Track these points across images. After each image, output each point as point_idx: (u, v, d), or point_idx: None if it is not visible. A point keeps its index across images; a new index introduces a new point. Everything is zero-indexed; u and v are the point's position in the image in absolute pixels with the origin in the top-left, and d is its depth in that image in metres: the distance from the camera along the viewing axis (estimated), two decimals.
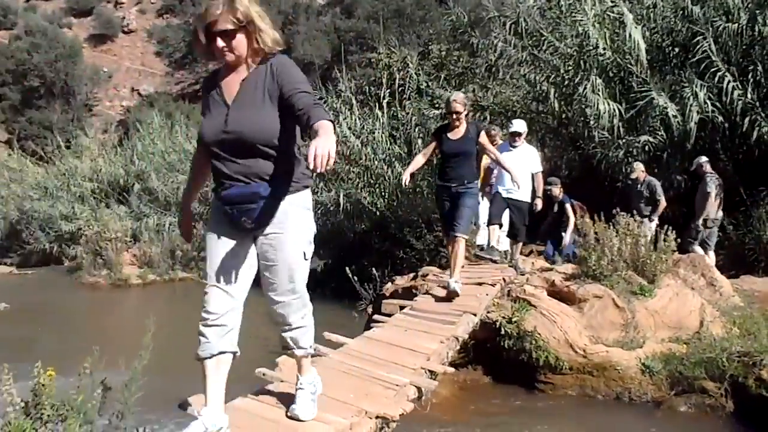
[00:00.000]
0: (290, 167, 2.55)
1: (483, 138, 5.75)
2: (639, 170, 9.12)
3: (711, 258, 8.42)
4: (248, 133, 2.44)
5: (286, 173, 2.54)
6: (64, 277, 14.25)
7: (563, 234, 8.91)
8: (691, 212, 8.89)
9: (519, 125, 7.78)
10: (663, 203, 8.85)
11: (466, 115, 5.78)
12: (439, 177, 6.01)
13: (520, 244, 7.72)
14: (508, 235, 7.90)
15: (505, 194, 7.39)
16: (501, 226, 7.65)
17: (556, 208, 9.08)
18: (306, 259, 2.67)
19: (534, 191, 7.73)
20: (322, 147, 2.07)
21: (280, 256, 2.60)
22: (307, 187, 2.66)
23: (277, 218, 2.55)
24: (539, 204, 7.80)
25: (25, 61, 42.25)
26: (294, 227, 2.58)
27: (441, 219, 6.18)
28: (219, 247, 2.60)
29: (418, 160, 6.09)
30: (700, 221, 8.60)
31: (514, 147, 7.57)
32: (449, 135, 5.75)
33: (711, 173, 8.70)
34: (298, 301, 2.71)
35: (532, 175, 7.62)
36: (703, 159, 8.85)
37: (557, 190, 9.04)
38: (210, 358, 2.56)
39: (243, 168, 2.49)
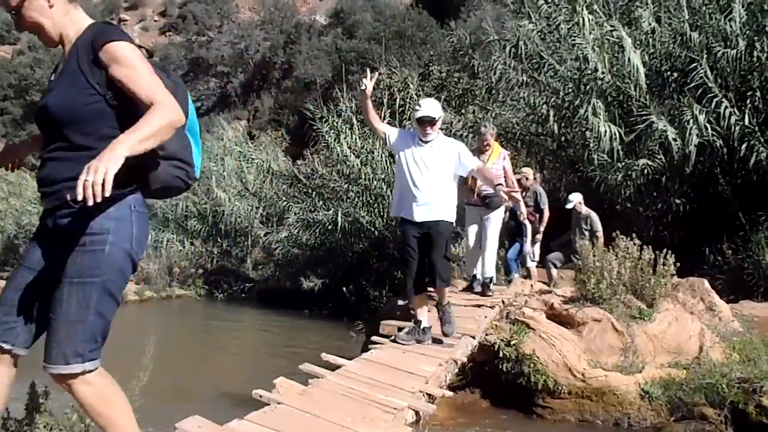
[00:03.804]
0: None
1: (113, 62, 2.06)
2: (523, 175, 8.78)
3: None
4: None
5: None
6: None
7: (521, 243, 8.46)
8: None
9: (430, 108, 5.04)
10: (547, 213, 8.66)
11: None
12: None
13: (446, 290, 5.22)
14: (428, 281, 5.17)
15: (416, 217, 4.96)
16: (422, 289, 5.14)
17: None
18: None
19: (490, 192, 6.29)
20: None
21: None
22: None
23: None
24: (521, 206, 7.17)
25: (28, 76, 42.47)
26: None
27: None
28: None
29: None
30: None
31: (426, 142, 5.01)
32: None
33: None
34: None
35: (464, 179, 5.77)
36: (580, 196, 9.01)
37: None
38: None
39: None
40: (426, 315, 5.22)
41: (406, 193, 5.01)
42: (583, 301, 6.38)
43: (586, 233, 8.47)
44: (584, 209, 8.88)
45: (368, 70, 4.96)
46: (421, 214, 4.92)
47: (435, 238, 4.92)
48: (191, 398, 5.85)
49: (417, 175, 4.94)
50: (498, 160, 6.98)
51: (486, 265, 7.14)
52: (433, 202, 4.91)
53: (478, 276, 7.29)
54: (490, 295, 7.03)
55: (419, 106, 5.14)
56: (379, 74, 14.95)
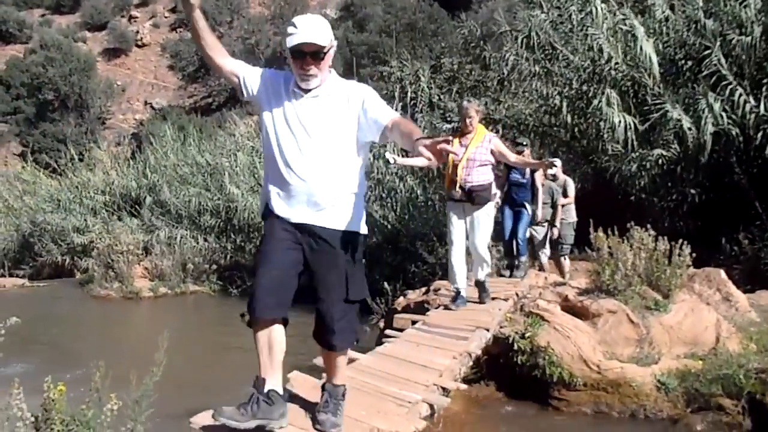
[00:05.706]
0: None
1: None
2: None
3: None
4: None
5: None
6: (76, 289, 14.29)
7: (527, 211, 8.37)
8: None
9: (312, 29, 2.78)
10: (560, 207, 8.73)
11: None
12: None
13: (343, 359, 3.06)
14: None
15: (292, 216, 2.89)
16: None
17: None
18: None
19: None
20: None
21: None
22: None
23: None
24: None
25: (40, 74, 42.83)
26: None
27: None
28: None
29: None
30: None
31: (306, 90, 2.87)
32: None
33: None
34: None
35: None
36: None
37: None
38: None
39: None
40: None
41: (275, 178, 2.91)
42: (598, 292, 6.34)
43: (559, 197, 8.77)
44: (562, 176, 8.97)
45: None
46: (300, 212, 2.86)
47: (330, 265, 2.87)
48: (205, 393, 5.87)
49: (291, 148, 2.83)
50: (483, 143, 5.85)
51: (478, 272, 6.27)
52: (322, 193, 2.82)
53: (462, 292, 6.22)
54: (487, 302, 6.28)
55: (294, 26, 2.77)
56: (390, 67, 14.94)
